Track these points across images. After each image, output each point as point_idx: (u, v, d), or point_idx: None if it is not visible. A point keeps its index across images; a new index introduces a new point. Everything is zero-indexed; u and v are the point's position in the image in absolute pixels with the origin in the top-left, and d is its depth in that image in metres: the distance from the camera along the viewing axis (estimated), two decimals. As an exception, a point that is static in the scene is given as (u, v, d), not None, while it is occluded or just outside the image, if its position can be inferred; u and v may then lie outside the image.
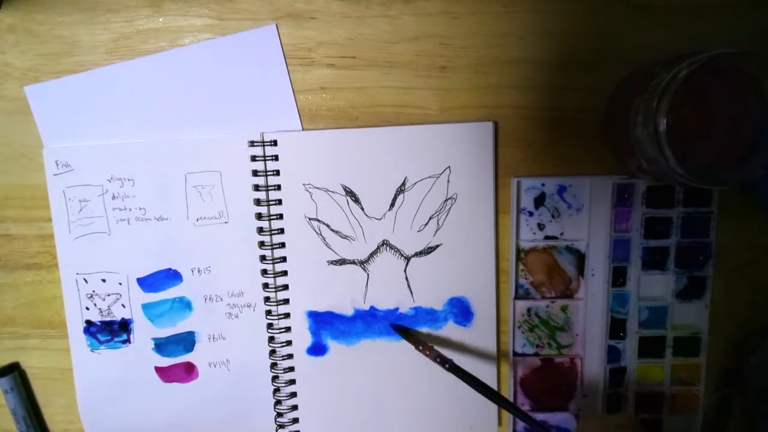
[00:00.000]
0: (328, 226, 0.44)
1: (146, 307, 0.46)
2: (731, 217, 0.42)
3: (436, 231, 0.44)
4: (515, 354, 0.45)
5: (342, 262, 0.44)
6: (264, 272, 0.45)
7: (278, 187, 0.44)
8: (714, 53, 0.31)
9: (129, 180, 0.44)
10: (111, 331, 0.46)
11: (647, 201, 0.42)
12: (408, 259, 0.44)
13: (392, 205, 0.44)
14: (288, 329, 0.45)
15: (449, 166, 0.43)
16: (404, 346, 0.44)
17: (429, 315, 0.45)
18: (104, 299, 0.45)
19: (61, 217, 0.45)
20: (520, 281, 0.44)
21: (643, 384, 0.44)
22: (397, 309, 0.45)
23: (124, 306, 0.46)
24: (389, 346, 0.45)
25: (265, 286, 0.45)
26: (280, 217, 0.44)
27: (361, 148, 0.43)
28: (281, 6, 0.42)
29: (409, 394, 0.46)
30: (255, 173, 0.44)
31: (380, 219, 0.44)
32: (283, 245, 0.44)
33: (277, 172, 0.43)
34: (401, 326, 0.45)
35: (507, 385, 0.45)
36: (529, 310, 0.44)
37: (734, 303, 0.44)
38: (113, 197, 0.44)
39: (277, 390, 0.46)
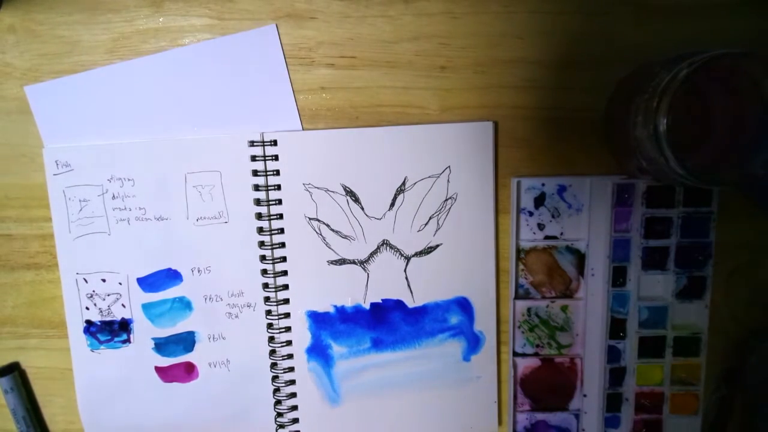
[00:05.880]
0: (328, 226, 0.44)
1: (146, 307, 0.46)
2: (731, 217, 0.42)
3: (436, 231, 0.44)
4: (515, 354, 0.45)
5: (342, 262, 0.44)
6: (264, 272, 0.45)
7: (278, 187, 0.44)
8: (714, 53, 0.31)
9: (129, 180, 0.44)
10: (111, 331, 0.46)
11: (647, 201, 0.42)
12: (408, 258, 0.44)
13: (392, 205, 0.44)
14: (288, 329, 0.45)
15: (449, 166, 0.43)
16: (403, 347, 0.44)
17: (429, 315, 0.45)
18: (104, 299, 0.45)
19: (61, 217, 0.45)
20: (520, 281, 0.44)
21: (643, 384, 0.44)
22: (397, 307, 0.45)
23: (124, 306, 0.46)
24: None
25: (265, 286, 0.45)
26: (280, 217, 0.44)
27: (361, 148, 0.43)
28: (281, 6, 0.42)
29: (409, 393, 0.45)
30: (255, 173, 0.44)
31: (380, 219, 0.44)
32: (283, 245, 0.44)
33: (277, 172, 0.43)
34: None
35: (507, 385, 0.45)
36: (529, 310, 0.44)
37: (734, 303, 0.44)
38: (113, 197, 0.44)
39: (277, 390, 0.46)
